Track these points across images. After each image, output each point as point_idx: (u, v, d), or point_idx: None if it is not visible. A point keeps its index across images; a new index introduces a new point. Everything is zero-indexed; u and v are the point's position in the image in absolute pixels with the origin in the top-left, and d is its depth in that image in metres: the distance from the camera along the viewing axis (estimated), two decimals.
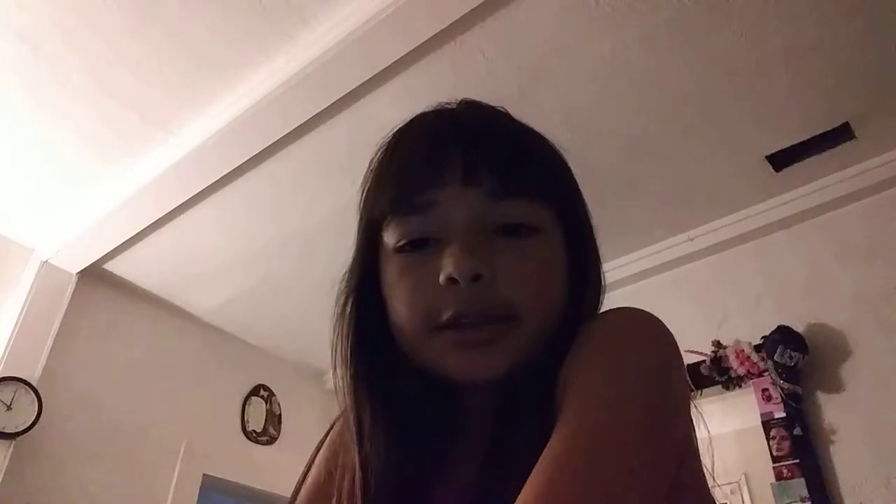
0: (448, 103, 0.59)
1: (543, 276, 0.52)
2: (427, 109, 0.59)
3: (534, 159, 0.56)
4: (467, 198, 0.51)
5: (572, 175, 0.60)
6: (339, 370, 0.56)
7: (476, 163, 0.52)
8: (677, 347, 0.49)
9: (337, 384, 0.56)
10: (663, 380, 0.46)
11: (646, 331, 0.49)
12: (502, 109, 0.60)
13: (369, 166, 0.58)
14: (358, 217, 0.58)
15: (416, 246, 0.52)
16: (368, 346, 0.55)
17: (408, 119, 0.59)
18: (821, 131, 1.95)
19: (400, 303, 0.53)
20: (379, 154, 0.58)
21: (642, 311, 0.51)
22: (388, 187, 0.54)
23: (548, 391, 0.48)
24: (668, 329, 0.49)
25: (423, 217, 0.52)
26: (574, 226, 0.56)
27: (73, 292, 2.51)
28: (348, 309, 0.57)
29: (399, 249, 0.53)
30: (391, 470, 0.52)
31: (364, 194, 0.57)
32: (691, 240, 2.36)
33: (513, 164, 0.53)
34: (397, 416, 0.54)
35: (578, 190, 0.60)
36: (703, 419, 0.53)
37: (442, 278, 0.50)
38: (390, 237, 0.53)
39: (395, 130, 0.58)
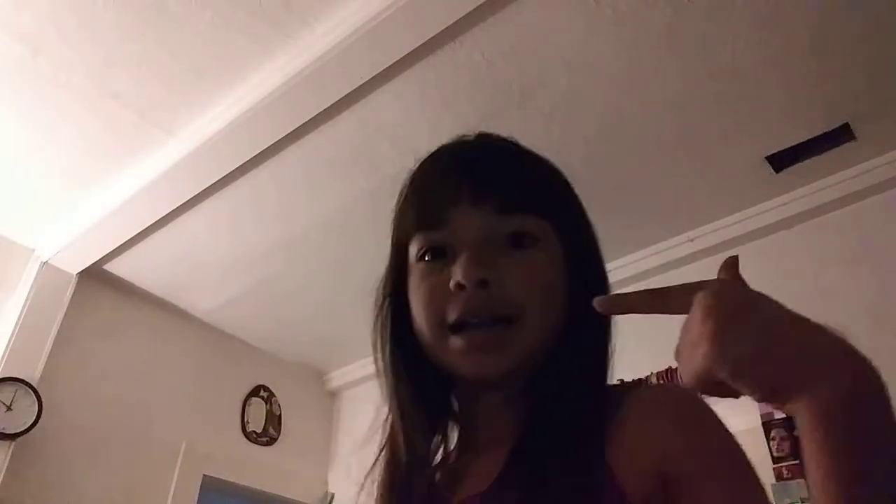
0: (465, 136, 0.69)
1: (543, 282, 0.59)
2: (447, 142, 0.69)
3: (533, 180, 0.64)
4: (475, 215, 0.60)
5: (572, 193, 0.68)
6: (379, 356, 0.66)
7: (482, 185, 0.61)
8: None
9: (378, 368, 0.66)
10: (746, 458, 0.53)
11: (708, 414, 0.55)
12: (511, 139, 0.68)
13: (399, 194, 0.68)
14: (390, 239, 0.69)
15: (435, 255, 0.61)
16: (401, 340, 0.65)
17: (432, 151, 0.68)
18: (821, 132, 1.95)
19: (418, 305, 0.61)
20: (406, 183, 0.68)
21: (688, 392, 0.55)
22: (411, 209, 0.65)
23: (577, 412, 0.54)
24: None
25: (439, 231, 0.61)
26: (572, 238, 0.63)
27: (73, 293, 2.51)
28: (384, 311, 0.67)
29: (420, 259, 0.62)
30: (413, 444, 0.61)
31: (394, 218, 0.68)
32: (692, 240, 2.35)
33: (513, 184, 0.62)
34: (422, 399, 0.63)
35: (578, 206, 0.67)
36: None
37: (452, 284, 0.58)
38: (413, 250, 0.63)
39: (419, 161, 0.68)
